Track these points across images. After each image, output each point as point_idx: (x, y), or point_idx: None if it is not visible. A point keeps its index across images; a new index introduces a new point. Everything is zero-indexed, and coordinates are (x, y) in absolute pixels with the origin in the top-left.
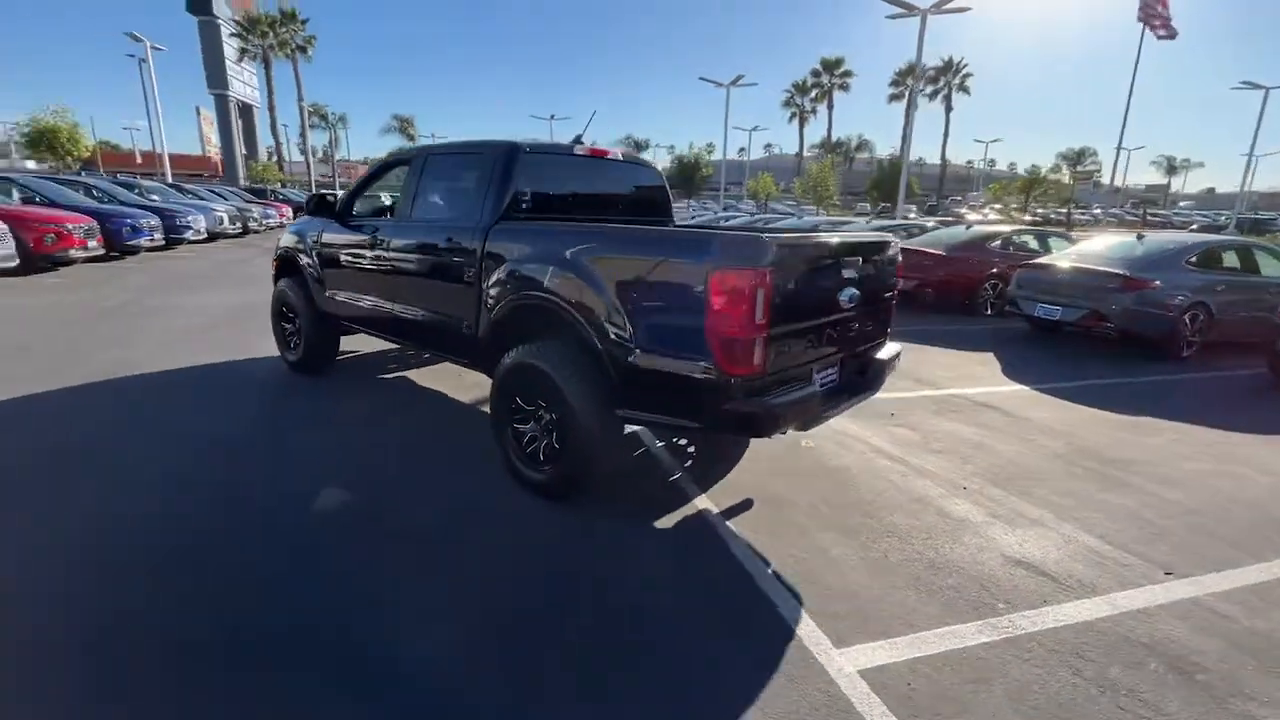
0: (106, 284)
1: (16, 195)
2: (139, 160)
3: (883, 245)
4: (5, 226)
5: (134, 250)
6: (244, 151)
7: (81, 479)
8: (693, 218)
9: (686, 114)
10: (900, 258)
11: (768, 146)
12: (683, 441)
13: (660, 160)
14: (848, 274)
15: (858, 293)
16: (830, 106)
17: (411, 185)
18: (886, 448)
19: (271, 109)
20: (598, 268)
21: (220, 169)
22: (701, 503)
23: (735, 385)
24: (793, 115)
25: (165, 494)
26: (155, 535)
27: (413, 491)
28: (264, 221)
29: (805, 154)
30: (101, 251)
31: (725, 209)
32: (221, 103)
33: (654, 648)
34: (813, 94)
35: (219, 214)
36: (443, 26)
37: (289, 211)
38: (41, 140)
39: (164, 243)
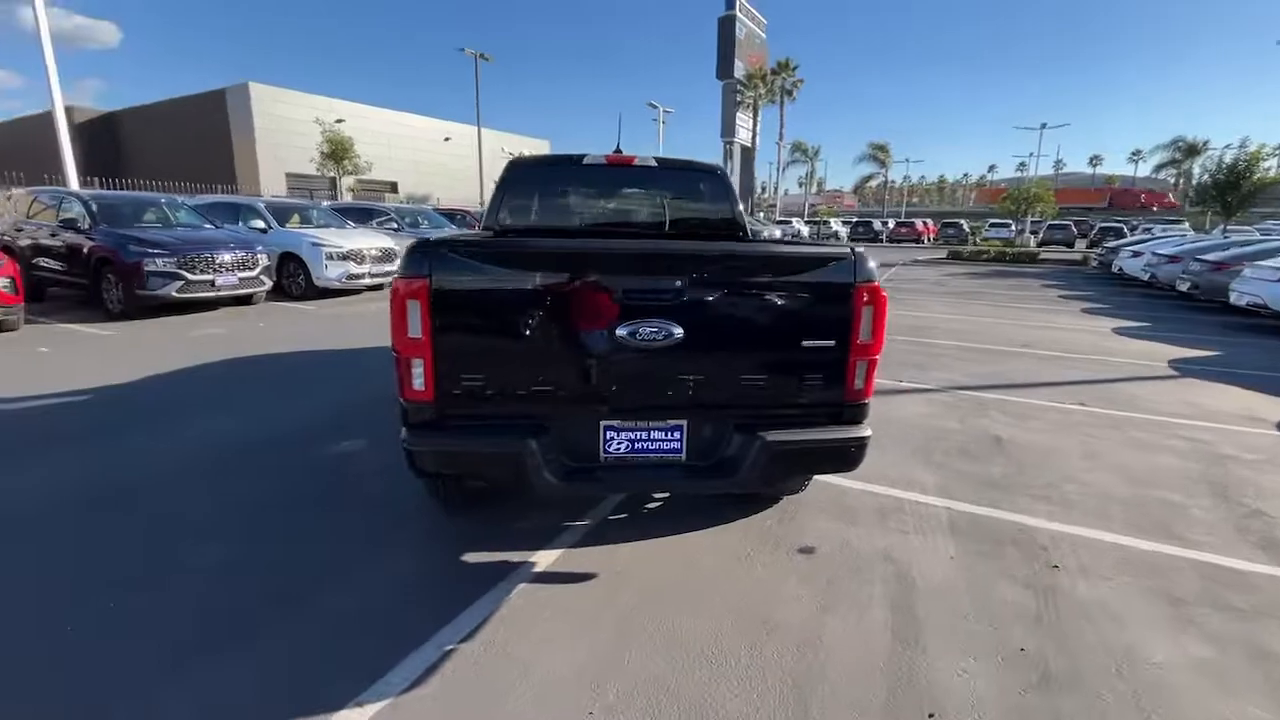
0: None
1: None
2: None
3: (741, 259)
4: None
5: None
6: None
7: None
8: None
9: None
10: (857, 280)
11: None
12: None
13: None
14: (633, 298)
15: (673, 327)
16: None
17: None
18: None
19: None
20: None
21: None
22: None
23: (409, 412)
24: None
25: None
26: None
27: None
28: None
29: None
30: None
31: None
32: (728, 148)
33: None
34: None
35: None
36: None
37: None
38: None
39: None
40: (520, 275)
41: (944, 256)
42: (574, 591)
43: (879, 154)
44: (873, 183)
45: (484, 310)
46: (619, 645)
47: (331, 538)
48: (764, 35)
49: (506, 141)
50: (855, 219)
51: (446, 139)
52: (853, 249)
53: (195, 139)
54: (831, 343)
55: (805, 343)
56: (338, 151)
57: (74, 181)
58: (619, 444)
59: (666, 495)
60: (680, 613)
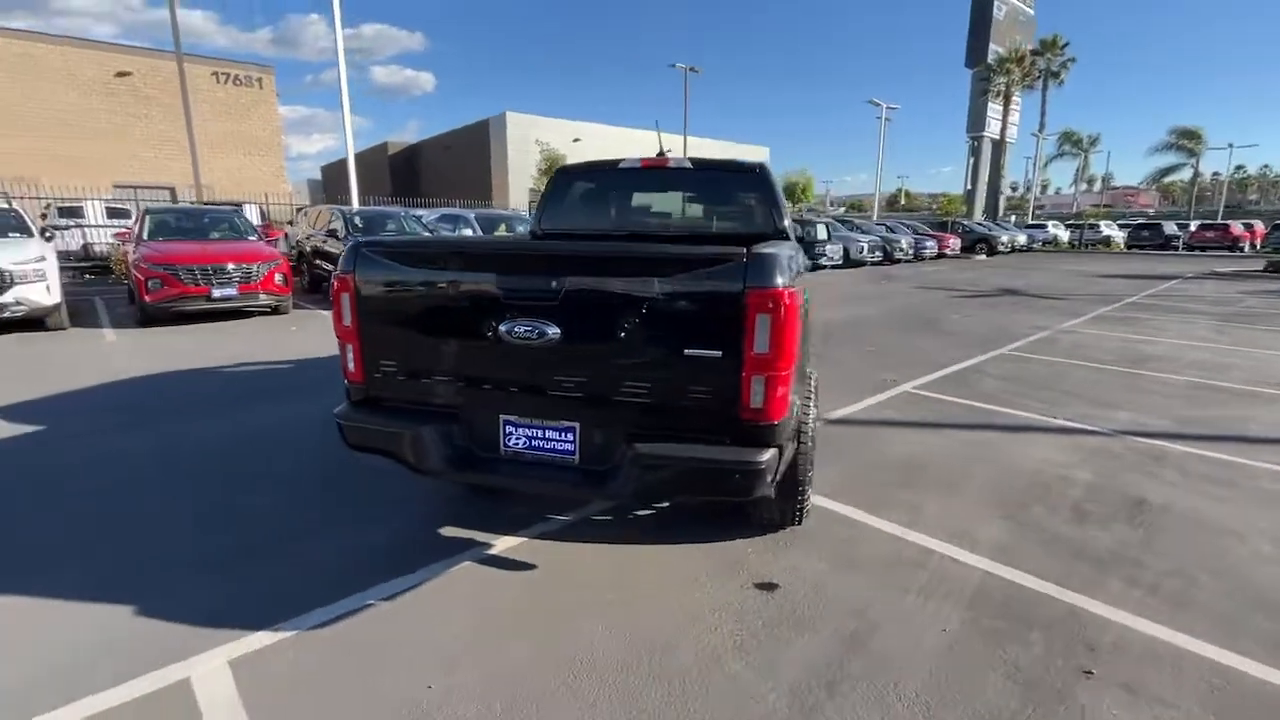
0: None
1: None
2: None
3: (619, 260)
4: None
5: None
6: (1012, 188)
7: None
8: None
9: None
10: (748, 285)
11: None
12: None
13: None
14: (512, 297)
15: (549, 326)
16: None
17: None
18: None
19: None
20: None
21: (973, 205)
22: None
23: (349, 391)
24: None
25: None
26: None
27: None
28: (914, 250)
29: None
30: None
31: None
32: (975, 145)
33: None
34: None
35: (860, 243)
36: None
37: (954, 243)
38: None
39: None
40: (420, 272)
41: (1261, 269)
42: (503, 577)
43: (1186, 142)
44: (1171, 177)
45: (394, 303)
46: (502, 633)
47: (345, 502)
48: (1031, 12)
49: (725, 149)
50: (1142, 221)
51: (661, 152)
52: (747, 250)
53: (468, 162)
54: (719, 354)
55: (688, 352)
56: (551, 168)
57: (355, 201)
58: (518, 439)
59: (665, 505)
60: (584, 618)
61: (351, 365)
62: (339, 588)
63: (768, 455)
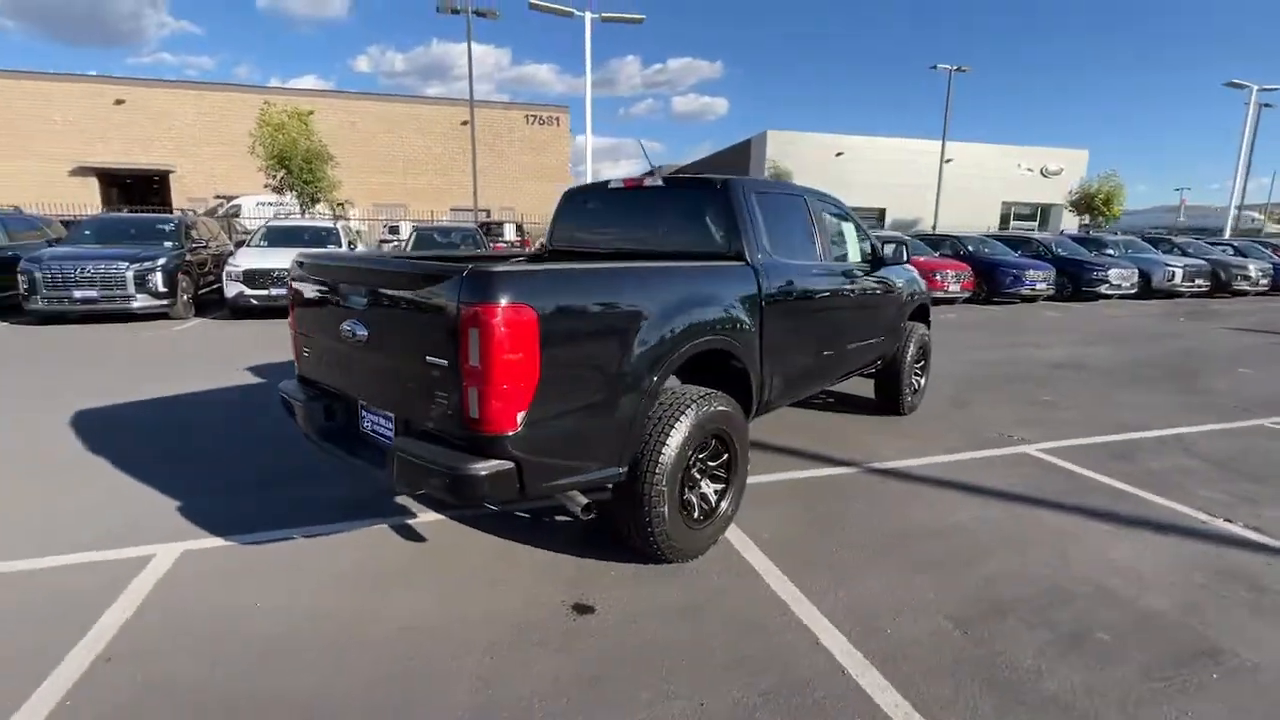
0: None
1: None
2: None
3: (373, 274)
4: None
5: (1030, 298)
6: None
7: None
8: None
9: None
10: (462, 300)
11: None
12: None
13: None
14: (350, 302)
15: (361, 328)
16: None
17: None
18: None
19: None
20: None
21: None
22: None
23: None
24: None
25: None
26: None
27: None
28: (1273, 280)
29: None
30: (966, 295)
31: None
32: None
33: None
34: None
35: (1168, 269)
36: None
37: None
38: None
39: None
40: (308, 281)
41: None
42: (399, 543)
43: None
44: None
45: (302, 302)
46: (360, 579)
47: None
48: None
49: (1028, 157)
50: None
51: (948, 160)
52: (467, 268)
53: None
54: (445, 363)
55: (428, 359)
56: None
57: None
58: (368, 423)
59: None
60: (426, 588)
61: (292, 352)
62: (276, 525)
63: (484, 465)
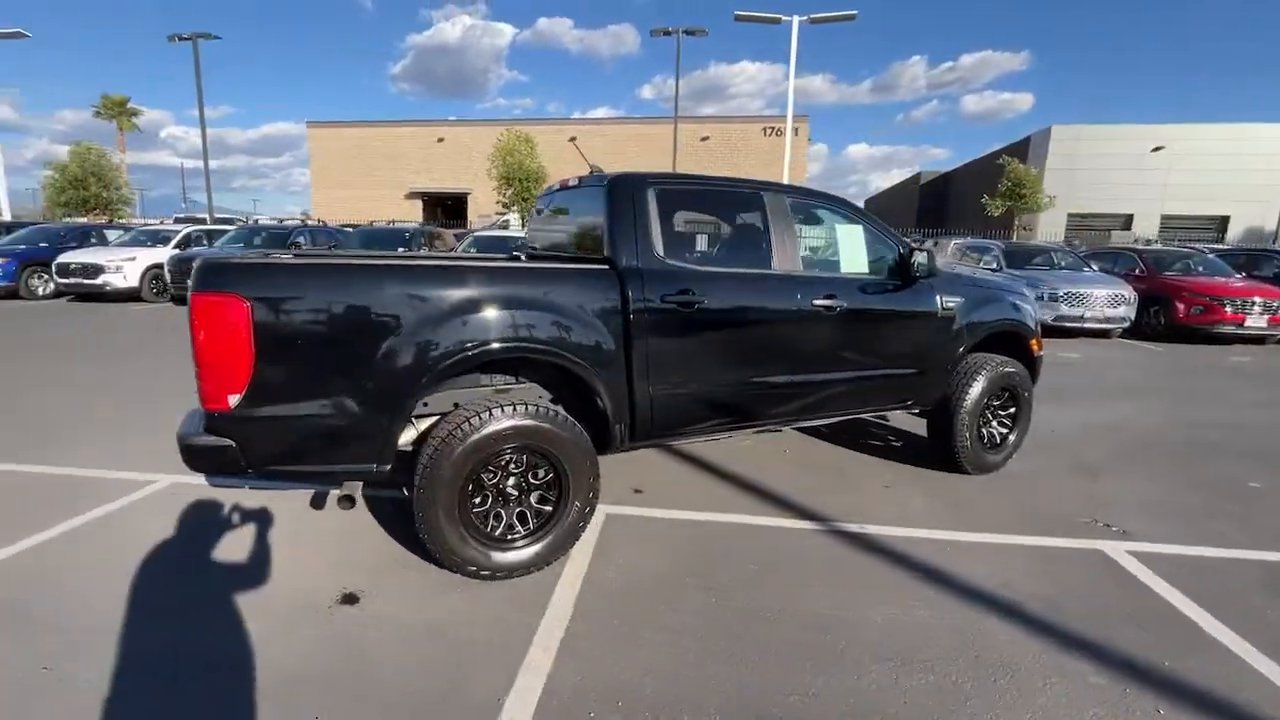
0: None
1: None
2: None
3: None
4: (1131, 292)
5: None
6: None
7: None
8: None
9: None
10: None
11: None
12: None
13: None
14: None
15: None
16: None
17: None
18: None
19: None
20: None
21: None
22: None
23: None
24: None
25: None
26: None
27: None
28: None
29: None
30: (1263, 329)
31: None
32: None
33: None
34: None
35: None
36: None
37: None
38: None
39: None
40: None
41: None
42: (299, 509)
43: None
44: None
45: None
46: (296, 534)
47: None
48: None
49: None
50: None
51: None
52: (201, 260)
53: (994, 186)
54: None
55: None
56: (1013, 189)
57: None
58: None
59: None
60: (323, 554)
61: None
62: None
63: (205, 440)
